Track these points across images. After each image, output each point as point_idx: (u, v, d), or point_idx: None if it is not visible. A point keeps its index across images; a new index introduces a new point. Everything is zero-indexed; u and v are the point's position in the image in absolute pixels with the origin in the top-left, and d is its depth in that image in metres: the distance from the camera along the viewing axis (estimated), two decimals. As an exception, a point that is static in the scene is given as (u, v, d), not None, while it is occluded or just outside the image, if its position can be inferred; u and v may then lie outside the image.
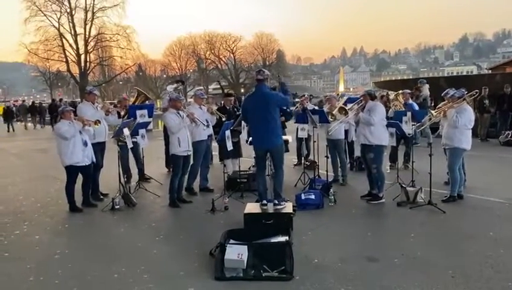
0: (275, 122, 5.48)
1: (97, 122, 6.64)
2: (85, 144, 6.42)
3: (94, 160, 6.66)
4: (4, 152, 14.14)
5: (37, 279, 4.24)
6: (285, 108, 6.71)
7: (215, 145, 7.89)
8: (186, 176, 7.23)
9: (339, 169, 7.86)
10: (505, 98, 12.94)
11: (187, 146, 6.57)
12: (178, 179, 6.68)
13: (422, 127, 7.69)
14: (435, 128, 10.86)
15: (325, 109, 7.65)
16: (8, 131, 23.51)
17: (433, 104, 12.24)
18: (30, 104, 30.23)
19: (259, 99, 5.51)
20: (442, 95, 6.63)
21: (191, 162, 6.94)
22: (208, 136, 7.30)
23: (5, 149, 14.73)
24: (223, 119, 7.39)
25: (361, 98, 6.84)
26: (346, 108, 7.02)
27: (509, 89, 12.93)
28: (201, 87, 59.65)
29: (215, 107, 8.20)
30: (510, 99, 12.90)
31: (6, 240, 5.42)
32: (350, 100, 7.91)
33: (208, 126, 7.03)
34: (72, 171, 6.44)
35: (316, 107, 9.21)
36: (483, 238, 4.94)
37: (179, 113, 6.53)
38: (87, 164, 6.49)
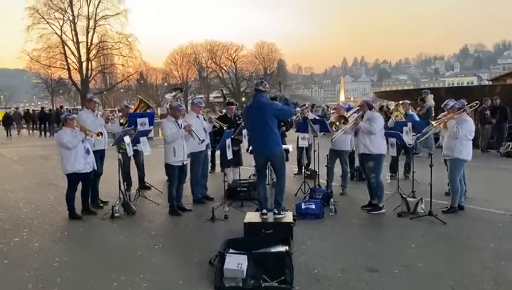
0: (272, 130, 5.51)
1: (99, 134, 6.65)
2: (87, 152, 6.44)
3: (96, 167, 6.68)
4: (4, 159, 14.14)
5: (36, 286, 4.22)
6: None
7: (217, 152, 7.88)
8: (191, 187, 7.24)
9: (339, 179, 7.85)
10: (496, 110, 13.07)
11: (182, 156, 6.57)
12: (176, 188, 6.67)
13: (423, 138, 7.69)
14: (435, 138, 10.89)
15: (332, 118, 7.68)
16: (7, 136, 25.33)
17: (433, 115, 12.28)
18: (25, 111, 31.07)
19: (257, 109, 5.58)
20: (442, 106, 6.64)
21: (188, 171, 6.92)
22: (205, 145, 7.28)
23: (5, 155, 14.73)
24: (224, 128, 7.37)
25: (359, 107, 6.88)
26: (346, 116, 7.05)
27: (498, 100, 13.06)
28: (202, 96, 59.58)
29: (214, 116, 8.19)
30: (501, 111, 13.06)
31: (6, 247, 5.41)
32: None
33: (203, 141, 6.85)
34: (73, 178, 6.45)
35: (317, 117, 9.23)
36: (483, 249, 4.93)
37: (177, 122, 6.54)
38: (88, 171, 6.50)
